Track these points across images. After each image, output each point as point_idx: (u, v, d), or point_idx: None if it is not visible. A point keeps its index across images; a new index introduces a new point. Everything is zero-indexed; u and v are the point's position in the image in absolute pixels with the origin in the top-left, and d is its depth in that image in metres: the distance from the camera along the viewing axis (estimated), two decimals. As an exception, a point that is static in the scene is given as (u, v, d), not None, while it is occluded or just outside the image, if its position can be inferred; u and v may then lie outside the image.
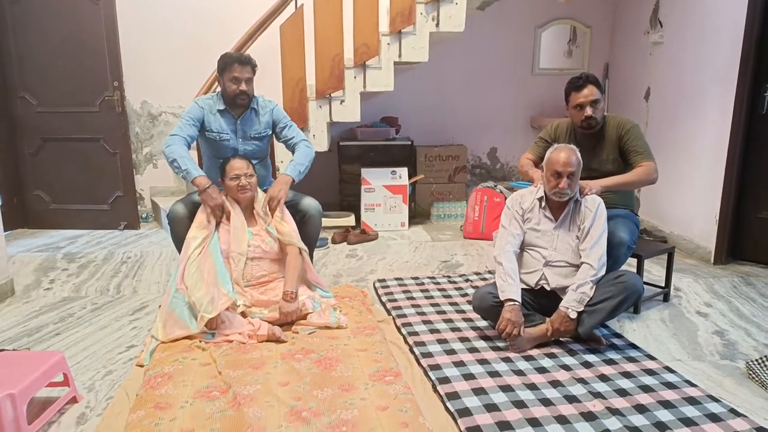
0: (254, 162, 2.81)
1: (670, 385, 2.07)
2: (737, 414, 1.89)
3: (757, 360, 2.25)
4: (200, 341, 2.38)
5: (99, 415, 1.95)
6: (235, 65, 2.75)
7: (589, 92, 2.64)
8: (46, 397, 1.99)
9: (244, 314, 2.51)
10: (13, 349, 2.38)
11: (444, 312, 2.76)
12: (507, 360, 2.26)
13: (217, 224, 2.64)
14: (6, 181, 4.16)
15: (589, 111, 2.64)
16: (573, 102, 2.69)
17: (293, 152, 2.94)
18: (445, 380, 2.09)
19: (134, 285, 3.23)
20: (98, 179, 4.33)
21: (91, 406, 2.01)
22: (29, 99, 4.22)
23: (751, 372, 2.19)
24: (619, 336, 2.51)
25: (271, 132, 2.97)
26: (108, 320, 2.75)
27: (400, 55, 3.86)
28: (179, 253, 2.70)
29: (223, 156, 2.79)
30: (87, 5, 4.03)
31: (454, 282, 3.21)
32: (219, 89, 2.87)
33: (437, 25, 3.83)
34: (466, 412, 1.88)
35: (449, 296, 2.97)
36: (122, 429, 1.81)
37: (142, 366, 2.25)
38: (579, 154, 2.40)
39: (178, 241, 2.73)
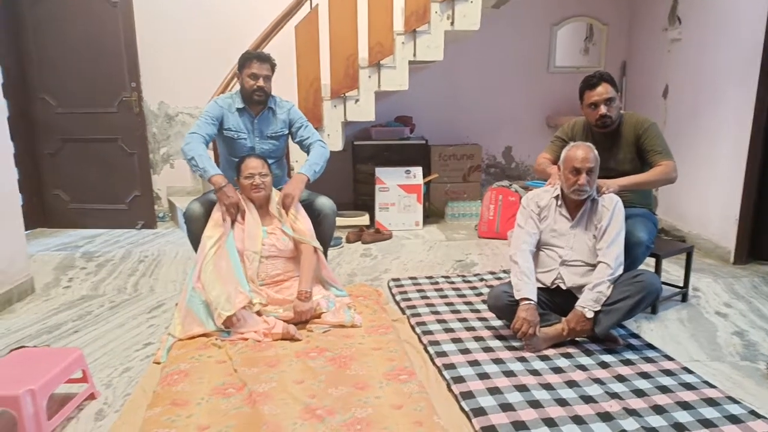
0: (270, 161, 2.83)
1: (688, 386, 2.04)
2: (758, 416, 1.85)
3: (778, 361, 2.21)
4: (216, 339, 2.40)
5: (117, 411, 1.97)
6: (254, 61, 2.80)
7: (603, 90, 2.61)
8: (65, 393, 2.02)
9: (259, 313, 2.52)
10: (34, 346, 2.42)
11: (458, 311, 2.75)
12: (522, 360, 2.24)
13: (233, 223, 2.66)
14: (26, 181, 4.23)
15: (603, 109, 2.61)
16: (587, 100, 2.67)
17: (308, 152, 2.95)
18: (460, 379, 2.08)
19: (151, 283, 3.26)
20: (116, 179, 4.38)
21: (108, 403, 2.03)
22: (49, 100, 4.28)
23: (772, 373, 2.15)
24: (636, 336, 2.48)
25: (287, 132, 2.99)
26: (125, 318, 2.78)
27: (414, 54, 3.86)
28: (195, 251, 2.73)
29: (240, 155, 2.81)
30: (105, 7, 4.09)
31: (469, 281, 3.19)
32: (238, 88, 2.91)
33: (452, 23, 3.82)
34: (480, 411, 1.87)
35: (464, 296, 2.96)
36: (139, 425, 1.83)
37: (159, 363, 2.27)
38: (596, 151, 2.38)
39: (195, 239, 2.75)
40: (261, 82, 2.79)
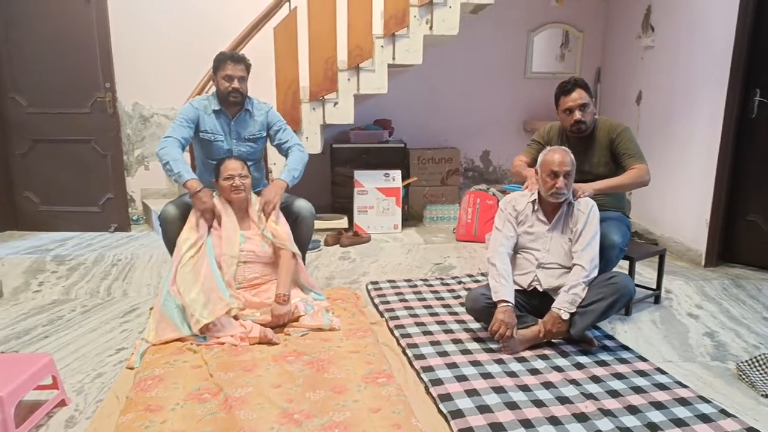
0: (249, 164, 2.79)
1: (661, 386, 2.08)
2: (728, 414, 1.90)
3: (747, 361, 2.26)
4: (192, 344, 2.37)
5: (88, 418, 1.93)
6: (228, 63, 2.76)
7: (577, 96, 2.65)
8: (35, 400, 1.96)
9: (236, 317, 2.49)
10: (1, 352, 2.35)
11: (437, 314, 2.75)
12: (500, 361, 2.26)
13: (209, 228, 2.63)
14: (-5, 182, 4.13)
15: (578, 115, 2.65)
16: (562, 106, 2.71)
17: (286, 156, 2.93)
18: (438, 382, 2.09)
19: (124, 287, 3.20)
20: (89, 181, 4.30)
21: (80, 409, 1.98)
22: (19, 100, 4.18)
23: (741, 373, 2.20)
24: (610, 337, 2.52)
25: (265, 134, 2.96)
26: (98, 323, 2.72)
27: (393, 58, 3.87)
28: (170, 255, 2.69)
29: (216, 158, 2.78)
30: (78, 5, 4.00)
31: (447, 284, 3.20)
32: (214, 89, 2.87)
33: (431, 28, 3.84)
34: (458, 413, 1.88)
35: (442, 298, 2.97)
36: (112, 432, 1.80)
37: (132, 368, 2.23)
38: (572, 155, 2.41)
39: (170, 242, 2.71)
40: (236, 84, 2.76)
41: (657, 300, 2.98)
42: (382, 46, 3.84)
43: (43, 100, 4.18)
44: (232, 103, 2.81)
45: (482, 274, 3.37)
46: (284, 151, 2.96)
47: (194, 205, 2.62)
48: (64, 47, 4.08)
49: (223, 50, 2.88)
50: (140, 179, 4.76)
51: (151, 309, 2.73)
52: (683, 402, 1.97)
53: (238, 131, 2.87)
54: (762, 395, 2.06)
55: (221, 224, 2.63)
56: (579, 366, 2.23)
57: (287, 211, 2.85)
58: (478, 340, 2.45)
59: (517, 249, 2.52)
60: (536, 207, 2.49)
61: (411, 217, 4.75)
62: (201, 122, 2.82)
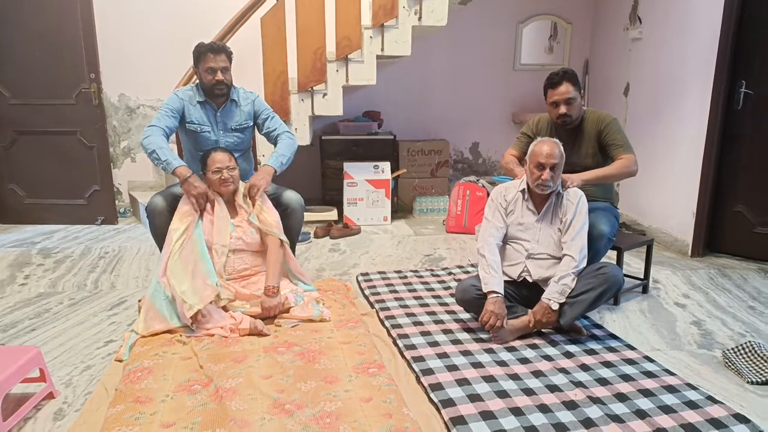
0: (236, 155, 2.77)
1: (649, 374, 2.10)
2: (714, 401, 1.92)
3: (732, 349, 2.29)
4: (181, 335, 2.35)
5: (77, 410, 1.91)
6: (208, 55, 2.70)
7: (564, 89, 2.65)
8: (22, 393, 1.95)
9: (225, 308, 2.48)
10: (-13, 345, 2.32)
11: (427, 305, 2.76)
12: (490, 351, 2.27)
13: (202, 213, 2.60)
14: (-22, 174, 4.06)
15: (563, 109, 2.66)
16: (549, 99, 2.71)
17: (275, 144, 2.90)
18: (429, 371, 2.09)
19: (112, 280, 3.17)
20: (74, 173, 4.25)
21: (68, 402, 1.97)
22: (2, 91, 4.11)
23: (727, 360, 2.23)
24: (599, 327, 2.54)
25: (252, 124, 2.93)
26: (86, 315, 2.70)
27: (382, 49, 3.85)
28: (158, 246, 2.66)
29: (204, 149, 2.75)
30: (62, -5, 3.94)
31: (437, 275, 3.21)
32: (198, 81, 2.83)
33: (420, 19, 3.83)
34: (449, 402, 1.89)
35: (432, 289, 2.98)
36: (101, 424, 1.78)
37: (121, 361, 2.21)
38: (562, 148, 2.42)
39: (157, 234, 2.69)
40: (219, 76, 2.70)
41: (645, 290, 3.01)
42: (370, 37, 3.82)
43: (27, 91, 4.11)
44: (218, 95, 2.77)
45: (472, 266, 3.38)
46: (273, 140, 2.92)
47: (187, 192, 2.58)
48: (48, 38, 4.01)
49: (202, 41, 2.82)
50: (127, 171, 4.70)
51: (139, 301, 2.71)
52: (671, 389, 2.00)
53: (225, 122, 2.84)
54: (748, 382, 2.10)
55: (214, 211, 2.60)
56: (568, 355, 2.25)
57: (276, 202, 2.83)
58: (468, 330, 2.47)
59: (506, 239, 2.53)
60: (526, 197, 2.50)
61: (401, 209, 4.75)
62: (187, 113, 2.78)
